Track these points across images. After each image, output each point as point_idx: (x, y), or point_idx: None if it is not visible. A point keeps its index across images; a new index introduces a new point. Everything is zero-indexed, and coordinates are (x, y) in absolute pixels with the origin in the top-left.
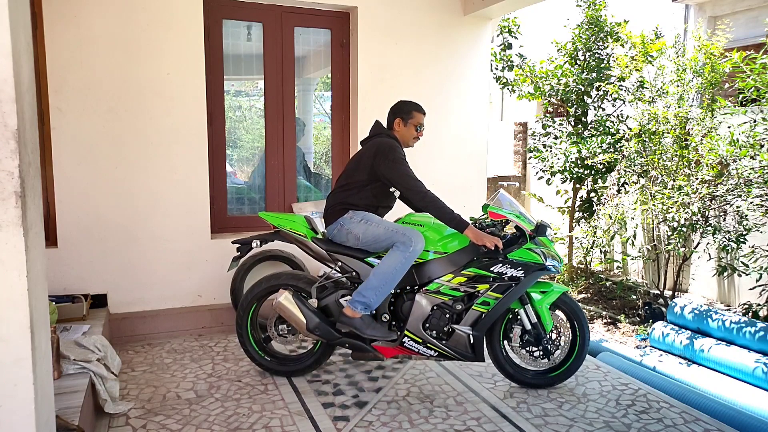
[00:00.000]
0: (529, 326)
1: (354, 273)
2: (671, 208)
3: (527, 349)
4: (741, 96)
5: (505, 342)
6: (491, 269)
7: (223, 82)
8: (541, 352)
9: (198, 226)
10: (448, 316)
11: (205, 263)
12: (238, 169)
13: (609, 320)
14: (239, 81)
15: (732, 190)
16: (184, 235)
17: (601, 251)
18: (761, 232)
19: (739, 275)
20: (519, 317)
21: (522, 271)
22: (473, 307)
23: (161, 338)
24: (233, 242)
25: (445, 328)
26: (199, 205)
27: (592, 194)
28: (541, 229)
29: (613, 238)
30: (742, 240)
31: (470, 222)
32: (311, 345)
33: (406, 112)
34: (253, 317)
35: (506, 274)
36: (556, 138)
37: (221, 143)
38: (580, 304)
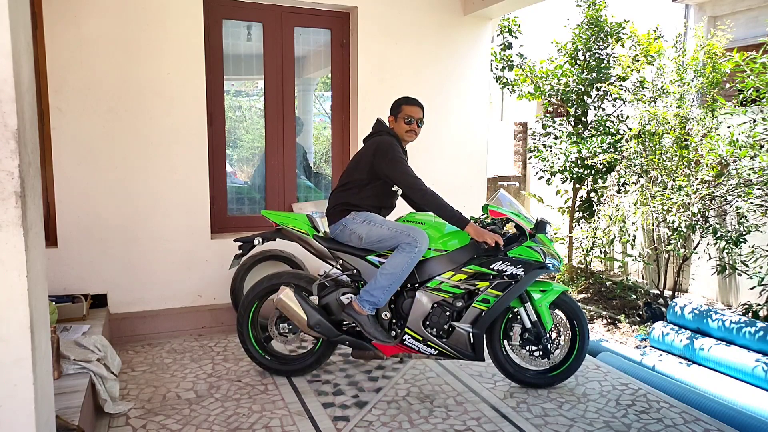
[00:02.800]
0: (529, 325)
1: (355, 271)
2: (671, 208)
3: (527, 348)
4: (741, 96)
5: (505, 341)
6: (491, 267)
7: (223, 82)
8: (541, 352)
9: (198, 226)
10: (448, 313)
11: (205, 263)
12: (238, 169)
13: (609, 320)
14: (239, 81)
15: (732, 191)
16: (184, 235)
17: (601, 251)
18: (761, 232)
19: (739, 274)
20: (519, 316)
21: (522, 269)
22: (473, 304)
23: (161, 338)
24: (235, 240)
25: (445, 326)
26: (199, 205)
27: (592, 194)
28: (540, 226)
29: (612, 241)
30: (742, 240)
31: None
32: (311, 345)
33: (394, 107)
34: (253, 316)
35: (506, 271)
36: (556, 138)
37: (221, 143)
38: (580, 303)
